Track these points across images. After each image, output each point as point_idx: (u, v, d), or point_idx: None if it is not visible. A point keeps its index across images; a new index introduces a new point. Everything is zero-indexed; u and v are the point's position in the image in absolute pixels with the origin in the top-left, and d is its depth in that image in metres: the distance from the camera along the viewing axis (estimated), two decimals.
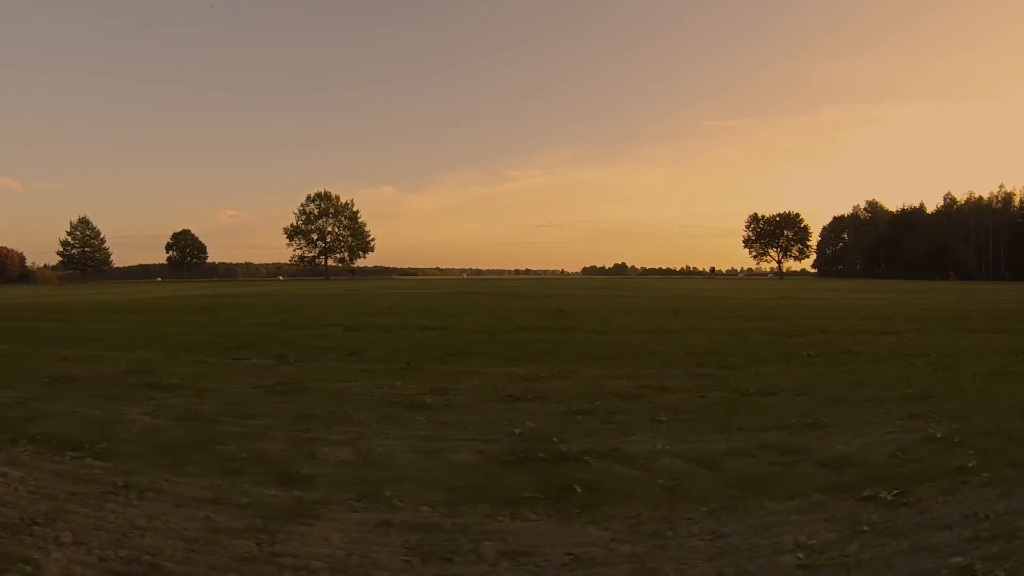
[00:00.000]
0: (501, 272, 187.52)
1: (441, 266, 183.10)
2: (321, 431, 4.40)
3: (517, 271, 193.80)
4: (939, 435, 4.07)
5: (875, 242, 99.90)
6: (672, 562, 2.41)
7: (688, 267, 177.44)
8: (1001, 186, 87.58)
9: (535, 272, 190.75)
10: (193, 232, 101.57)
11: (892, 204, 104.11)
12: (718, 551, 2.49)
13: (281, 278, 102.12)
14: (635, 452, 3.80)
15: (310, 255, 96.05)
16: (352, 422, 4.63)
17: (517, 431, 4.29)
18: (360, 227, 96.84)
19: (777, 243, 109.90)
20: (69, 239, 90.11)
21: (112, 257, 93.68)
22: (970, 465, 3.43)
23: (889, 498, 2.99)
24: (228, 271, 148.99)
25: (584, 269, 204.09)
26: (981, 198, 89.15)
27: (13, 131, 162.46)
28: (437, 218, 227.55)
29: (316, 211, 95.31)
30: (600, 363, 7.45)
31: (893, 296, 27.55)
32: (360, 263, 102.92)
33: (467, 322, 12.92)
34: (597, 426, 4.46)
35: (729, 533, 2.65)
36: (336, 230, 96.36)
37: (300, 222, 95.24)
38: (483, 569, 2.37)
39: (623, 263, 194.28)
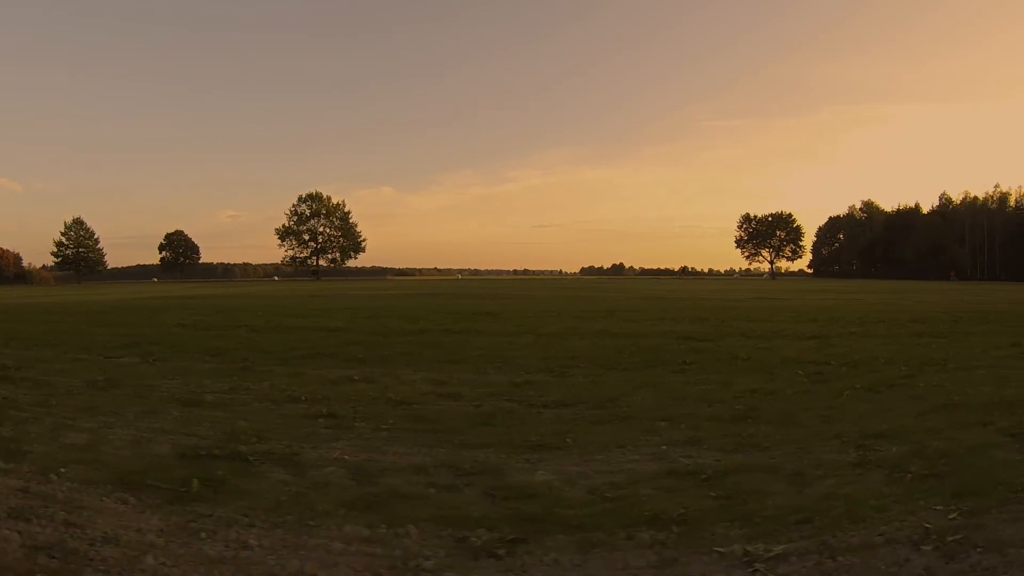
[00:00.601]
0: (500, 272, 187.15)
1: (439, 266, 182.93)
2: (85, 420, 4.74)
3: (516, 271, 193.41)
4: (690, 468, 3.57)
5: (870, 242, 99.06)
6: (164, 556, 2.47)
7: (687, 267, 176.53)
8: (996, 186, 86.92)
9: (533, 272, 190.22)
10: (187, 233, 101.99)
11: (892, 204, 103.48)
12: (207, 559, 2.45)
13: (276, 278, 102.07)
14: (310, 458, 3.76)
15: (302, 256, 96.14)
16: (117, 414, 4.99)
17: (229, 430, 4.37)
18: (351, 227, 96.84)
19: (769, 243, 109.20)
20: (63, 239, 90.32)
21: (107, 257, 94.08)
22: (675, 514, 2.88)
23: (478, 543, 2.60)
24: (226, 271, 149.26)
25: (582, 269, 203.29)
26: (976, 198, 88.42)
27: (11, 131, 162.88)
28: (436, 218, 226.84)
29: (308, 212, 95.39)
30: (439, 367, 7.34)
31: (869, 296, 27.01)
32: (359, 264, 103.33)
33: (374, 324, 12.82)
34: (319, 430, 4.44)
35: (255, 546, 2.57)
36: (328, 231, 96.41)
37: (292, 223, 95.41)
38: (38, 529, 2.70)
39: (621, 263, 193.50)
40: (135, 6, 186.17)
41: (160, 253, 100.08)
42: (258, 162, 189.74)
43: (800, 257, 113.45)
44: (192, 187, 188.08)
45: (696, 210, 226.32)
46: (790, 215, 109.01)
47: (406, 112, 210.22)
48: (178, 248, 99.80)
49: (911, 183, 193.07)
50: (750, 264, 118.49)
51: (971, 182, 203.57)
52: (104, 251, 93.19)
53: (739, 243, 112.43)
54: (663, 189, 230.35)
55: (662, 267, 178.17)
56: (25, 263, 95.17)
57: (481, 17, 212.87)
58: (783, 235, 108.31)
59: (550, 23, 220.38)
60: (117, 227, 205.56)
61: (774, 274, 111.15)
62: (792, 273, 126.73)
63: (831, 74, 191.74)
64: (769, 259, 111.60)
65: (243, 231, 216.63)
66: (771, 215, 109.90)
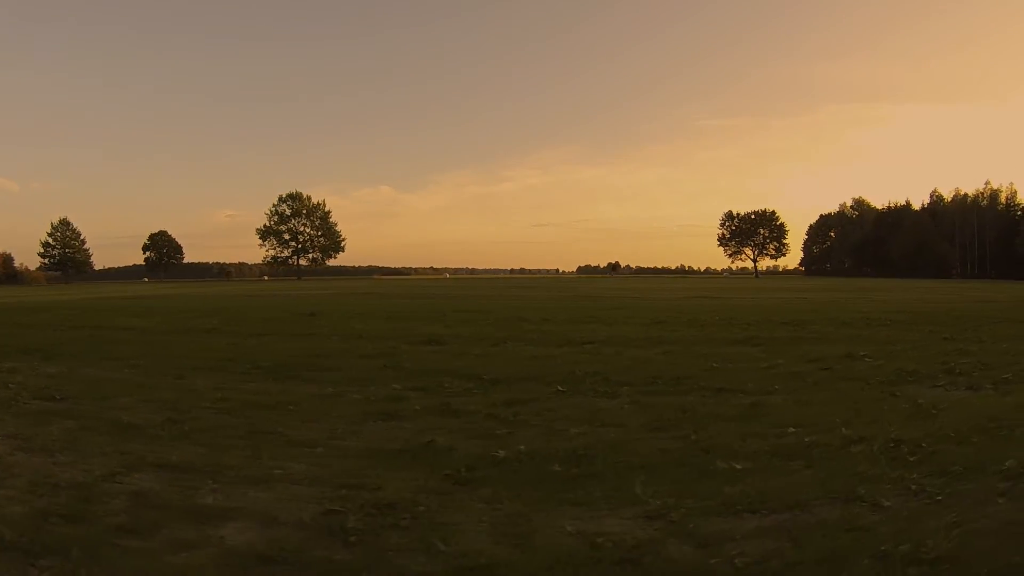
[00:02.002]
0: (497, 272, 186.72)
1: (436, 265, 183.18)
2: None
3: (513, 271, 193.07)
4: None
5: (861, 240, 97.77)
6: None
7: (683, 266, 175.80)
8: (987, 183, 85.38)
9: (530, 271, 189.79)
10: (184, 232, 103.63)
11: (885, 202, 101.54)
12: None
13: (265, 278, 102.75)
14: None
15: (283, 255, 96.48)
16: None
17: None
18: (331, 227, 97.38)
19: (752, 241, 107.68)
20: (50, 240, 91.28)
21: (103, 257, 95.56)
22: None
23: None
24: (221, 270, 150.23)
25: (579, 268, 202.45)
26: (967, 195, 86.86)
27: (9, 130, 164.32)
28: (435, 218, 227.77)
29: (288, 211, 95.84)
30: (95, 362, 7.62)
31: (821, 295, 25.93)
32: (355, 263, 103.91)
33: (180, 324, 12.90)
34: None
35: None
36: (308, 230, 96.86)
37: (272, 223, 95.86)
38: None
39: (616, 262, 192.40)
40: (134, 6, 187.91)
41: (144, 253, 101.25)
42: (257, 162, 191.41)
43: (784, 255, 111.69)
44: (191, 187, 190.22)
45: (694, 209, 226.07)
46: (773, 212, 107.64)
47: (404, 112, 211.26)
48: (161, 248, 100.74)
49: (906, 182, 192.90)
50: (732, 263, 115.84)
51: (964, 180, 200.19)
52: (91, 251, 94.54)
53: (722, 241, 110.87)
54: (661, 188, 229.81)
55: (661, 266, 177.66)
56: (19, 263, 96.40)
57: (479, 17, 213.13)
58: (766, 233, 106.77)
59: (547, 23, 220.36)
60: (117, 227, 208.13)
61: (757, 273, 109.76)
62: (789, 272, 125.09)
63: (829, 74, 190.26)
64: (752, 257, 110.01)
65: (241, 230, 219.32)
66: (754, 212, 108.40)
